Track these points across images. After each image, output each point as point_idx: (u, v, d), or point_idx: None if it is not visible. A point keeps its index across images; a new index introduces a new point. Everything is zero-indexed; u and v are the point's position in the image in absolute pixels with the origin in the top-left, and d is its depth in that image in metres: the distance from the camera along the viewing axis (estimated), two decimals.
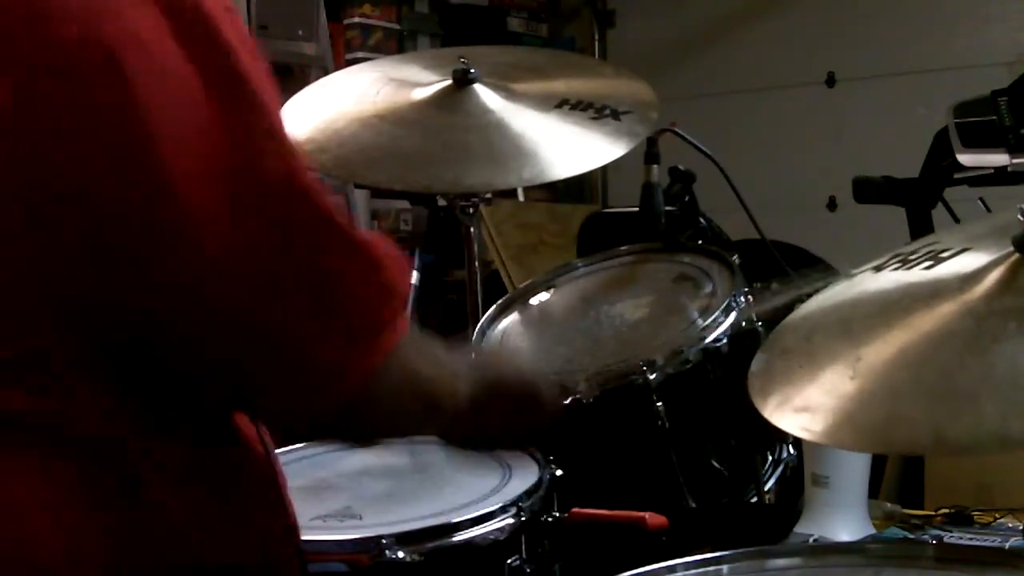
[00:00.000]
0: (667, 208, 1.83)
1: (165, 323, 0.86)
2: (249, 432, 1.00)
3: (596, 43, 4.85)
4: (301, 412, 0.96)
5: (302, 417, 0.98)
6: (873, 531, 1.60)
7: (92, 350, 0.85)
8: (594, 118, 1.81)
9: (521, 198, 4.29)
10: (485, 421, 1.13)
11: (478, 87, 1.85)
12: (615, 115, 1.80)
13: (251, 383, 0.92)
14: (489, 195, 2.02)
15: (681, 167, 1.87)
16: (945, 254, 1.09)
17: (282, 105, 0.95)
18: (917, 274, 1.08)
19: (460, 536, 1.26)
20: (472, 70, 1.84)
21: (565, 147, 1.78)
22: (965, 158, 2.08)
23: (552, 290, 1.86)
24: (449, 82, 1.86)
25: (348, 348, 0.92)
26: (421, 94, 1.87)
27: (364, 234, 0.94)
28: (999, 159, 2.04)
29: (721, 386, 1.59)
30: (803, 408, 0.98)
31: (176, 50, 0.83)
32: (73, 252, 0.82)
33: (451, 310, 3.38)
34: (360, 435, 1.14)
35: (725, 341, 1.60)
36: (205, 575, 0.92)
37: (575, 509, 1.39)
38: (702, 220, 1.88)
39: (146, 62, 0.82)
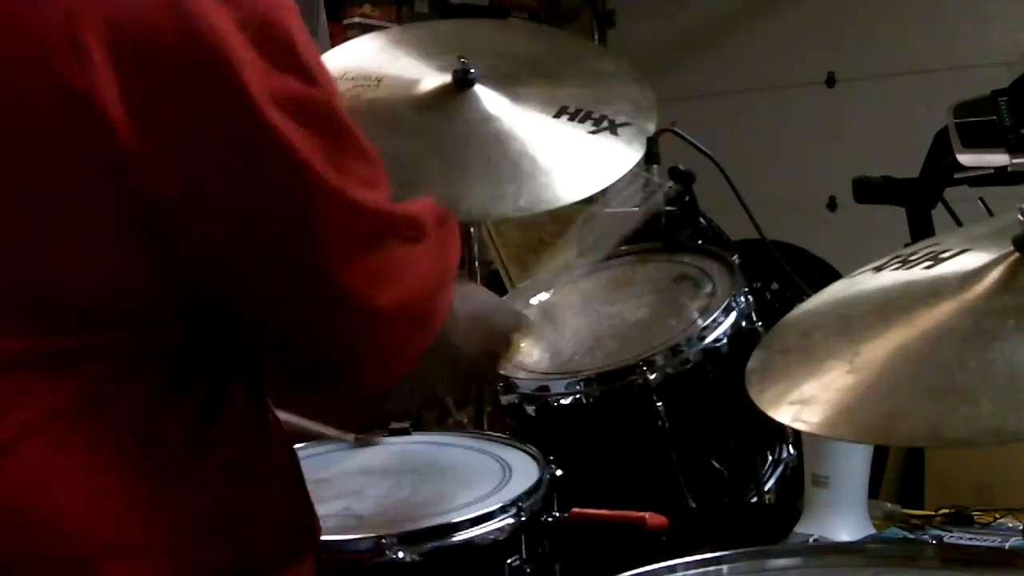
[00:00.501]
0: (667, 208, 1.83)
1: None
2: (278, 432, 1.02)
3: (596, 43, 4.84)
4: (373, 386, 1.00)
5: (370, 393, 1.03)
6: (873, 531, 1.60)
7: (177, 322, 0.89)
8: (592, 132, 1.81)
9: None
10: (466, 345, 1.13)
11: (478, 88, 1.85)
12: (612, 128, 1.81)
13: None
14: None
15: (681, 167, 1.87)
16: (945, 254, 1.09)
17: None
18: (917, 273, 1.08)
19: (460, 536, 1.26)
20: (472, 70, 1.84)
21: (563, 171, 1.78)
22: (965, 158, 2.08)
23: (552, 290, 1.86)
24: (449, 82, 1.86)
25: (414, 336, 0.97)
26: (420, 95, 1.86)
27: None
28: (999, 159, 2.03)
29: (721, 386, 1.59)
30: (799, 400, 0.99)
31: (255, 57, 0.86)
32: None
33: None
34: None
35: (725, 341, 1.60)
36: (234, 572, 0.93)
37: (575, 509, 1.39)
38: (702, 220, 1.88)
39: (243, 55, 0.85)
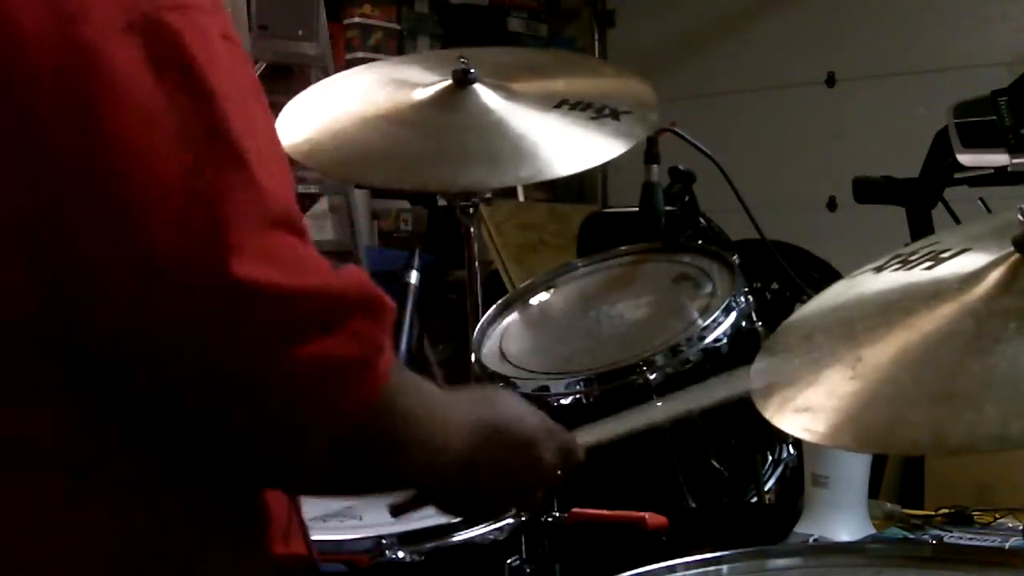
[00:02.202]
0: (667, 208, 1.83)
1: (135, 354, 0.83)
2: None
3: (596, 43, 4.85)
4: (293, 457, 0.88)
5: (296, 467, 0.89)
6: (873, 531, 1.60)
7: (68, 373, 0.83)
8: (594, 118, 1.80)
9: (521, 198, 4.30)
10: (479, 477, 1.01)
11: (478, 87, 1.85)
12: (615, 115, 1.80)
13: (230, 422, 0.86)
14: (489, 195, 2.03)
15: (681, 167, 1.87)
16: (945, 254, 1.09)
17: (276, 134, 0.93)
18: (917, 274, 1.08)
19: (460, 536, 1.26)
20: (472, 70, 1.84)
21: (563, 146, 1.77)
22: (965, 158, 2.08)
23: (552, 290, 1.86)
24: (449, 82, 1.86)
25: (337, 378, 0.85)
26: (421, 94, 1.87)
27: (341, 276, 0.87)
28: (999, 159, 2.03)
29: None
30: (804, 408, 0.98)
31: (153, 88, 0.81)
32: (36, 276, 0.81)
33: (451, 310, 3.38)
34: (356, 484, 1.00)
35: (725, 341, 1.60)
36: None
37: (575, 509, 1.39)
38: (702, 220, 1.88)
39: (121, 99, 0.80)
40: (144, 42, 0.81)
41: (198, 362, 0.82)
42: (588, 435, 1.19)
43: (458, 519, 1.27)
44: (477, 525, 1.28)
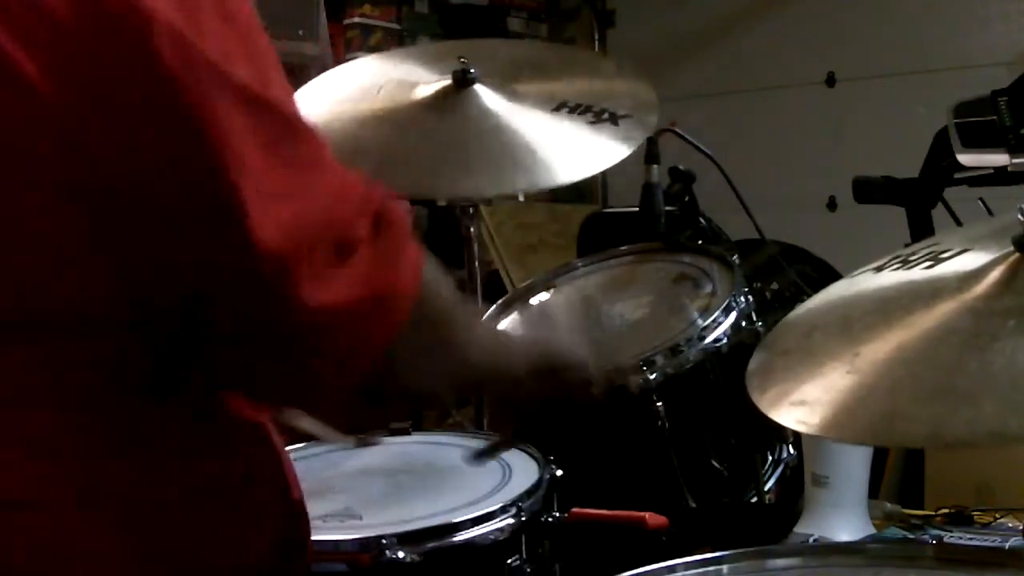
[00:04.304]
0: (667, 208, 1.83)
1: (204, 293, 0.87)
2: (264, 443, 1.00)
3: (596, 43, 4.84)
4: (332, 379, 0.93)
5: (335, 385, 0.95)
6: (873, 531, 1.60)
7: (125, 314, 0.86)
8: (592, 122, 1.80)
9: (521, 198, 4.28)
10: (538, 388, 1.12)
11: (478, 88, 1.85)
12: (613, 119, 1.80)
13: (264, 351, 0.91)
14: (489, 198, 2.02)
15: (681, 167, 1.87)
16: (945, 255, 1.09)
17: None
18: (917, 273, 1.08)
19: (460, 536, 1.26)
20: (472, 70, 1.84)
21: (562, 153, 1.77)
22: (965, 158, 2.08)
23: (552, 290, 1.86)
24: (449, 82, 1.86)
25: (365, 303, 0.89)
26: (420, 95, 1.87)
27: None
28: (999, 159, 2.03)
29: (721, 386, 1.59)
30: (800, 402, 0.99)
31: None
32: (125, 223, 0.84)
33: None
34: (393, 399, 1.10)
35: (725, 341, 1.60)
36: None
37: (575, 509, 1.39)
38: (702, 220, 1.88)
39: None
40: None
41: (234, 317, 0.87)
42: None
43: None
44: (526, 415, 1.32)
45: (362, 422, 1.40)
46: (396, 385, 0.99)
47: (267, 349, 0.90)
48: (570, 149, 1.78)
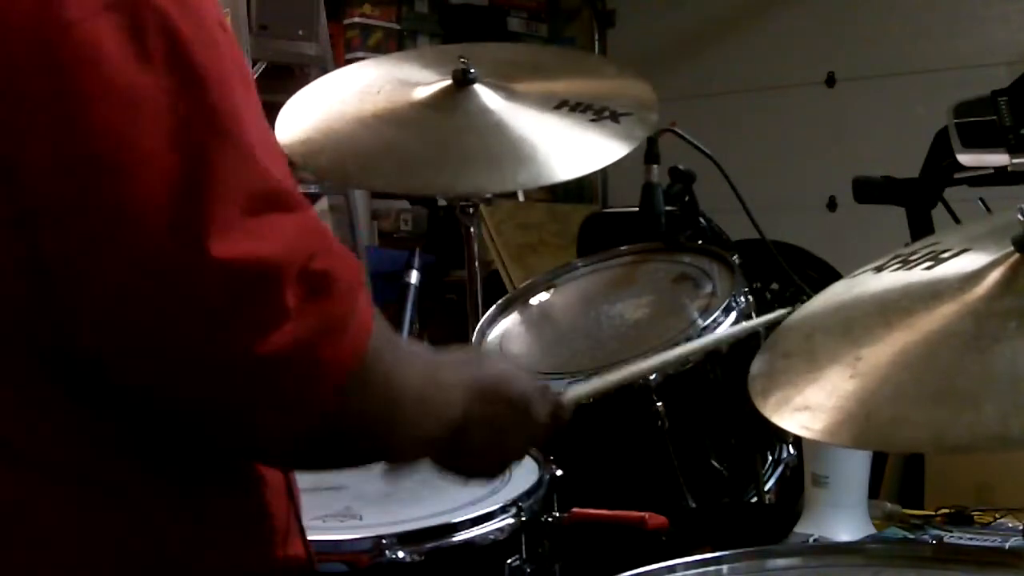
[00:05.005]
0: (667, 208, 1.83)
1: (100, 338, 0.81)
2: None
3: (596, 43, 4.84)
4: (271, 434, 0.86)
5: (275, 442, 0.87)
6: (873, 531, 1.60)
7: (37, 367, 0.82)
8: (593, 120, 1.80)
9: (521, 198, 4.29)
10: (474, 435, 1.01)
11: (478, 87, 1.85)
12: (614, 117, 1.80)
13: (199, 399, 0.84)
14: (489, 195, 2.02)
15: (681, 167, 1.87)
16: (945, 254, 1.09)
17: (266, 117, 0.90)
18: (917, 274, 1.08)
19: (460, 536, 1.26)
20: (472, 70, 1.84)
21: (563, 150, 1.77)
22: (965, 158, 2.08)
23: (552, 290, 1.86)
24: (449, 82, 1.86)
25: (312, 348, 0.83)
26: (421, 94, 1.87)
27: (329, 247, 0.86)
28: (999, 159, 2.03)
29: (721, 386, 1.59)
30: (803, 407, 0.98)
31: (136, 66, 0.79)
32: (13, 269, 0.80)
33: (451, 310, 3.38)
34: (345, 459, 1.00)
35: None
36: None
37: (575, 509, 1.39)
38: (702, 220, 1.88)
39: (102, 78, 0.78)
40: (127, 19, 0.79)
41: (172, 347, 0.81)
42: (577, 391, 1.21)
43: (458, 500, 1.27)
44: (473, 483, 1.24)
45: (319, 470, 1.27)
46: (352, 438, 0.91)
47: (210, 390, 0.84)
48: (571, 146, 1.78)
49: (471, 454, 1.03)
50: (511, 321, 1.81)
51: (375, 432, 0.92)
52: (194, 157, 0.79)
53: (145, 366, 0.82)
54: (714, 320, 1.61)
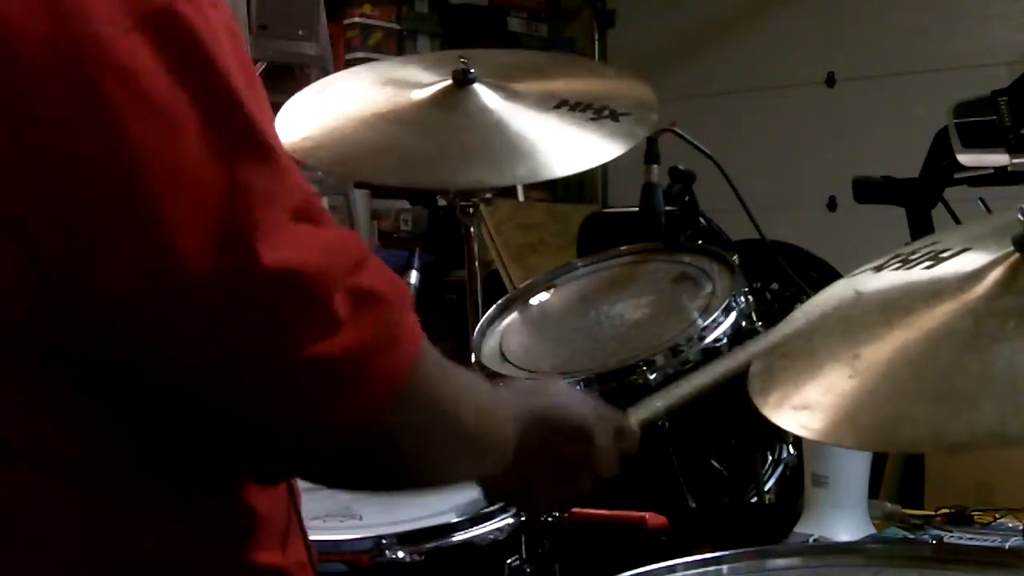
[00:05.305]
0: (667, 208, 1.83)
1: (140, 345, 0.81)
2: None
3: (596, 43, 4.85)
4: (309, 442, 0.85)
5: (312, 452, 0.87)
6: (873, 531, 1.60)
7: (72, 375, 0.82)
8: (593, 119, 1.80)
9: (521, 198, 4.30)
10: (530, 467, 1.00)
11: (478, 87, 1.85)
12: (614, 116, 1.80)
13: (240, 408, 0.84)
14: (489, 195, 2.02)
15: (681, 167, 1.87)
16: (945, 254, 1.09)
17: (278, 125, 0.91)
18: (917, 274, 1.08)
19: (460, 536, 1.26)
20: (472, 70, 1.84)
21: (562, 146, 1.77)
22: (965, 158, 2.08)
23: (552, 290, 1.86)
24: (449, 82, 1.86)
25: (361, 358, 0.82)
26: (421, 94, 1.87)
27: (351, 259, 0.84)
28: (999, 159, 2.03)
29: (721, 386, 1.59)
30: (802, 406, 0.98)
31: (170, 86, 0.78)
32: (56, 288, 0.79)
33: (451, 310, 3.38)
34: (383, 480, 0.98)
35: (725, 341, 1.60)
36: None
37: (575, 509, 1.39)
38: (702, 220, 1.88)
39: (136, 96, 0.77)
40: (155, 35, 0.78)
41: (223, 351, 0.80)
42: (641, 413, 1.19)
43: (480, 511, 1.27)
44: (538, 517, 1.26)
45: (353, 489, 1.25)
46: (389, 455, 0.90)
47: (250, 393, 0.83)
48: (570, 143, 1.78)
49: (530, 488, 1.03)
50: (511, 321, 1.81)
51: (413, 451, 0.91)
52: (235, 169, 0.79)
53: (190, 371, 0.82)
54: (714, 320, 1.61)
